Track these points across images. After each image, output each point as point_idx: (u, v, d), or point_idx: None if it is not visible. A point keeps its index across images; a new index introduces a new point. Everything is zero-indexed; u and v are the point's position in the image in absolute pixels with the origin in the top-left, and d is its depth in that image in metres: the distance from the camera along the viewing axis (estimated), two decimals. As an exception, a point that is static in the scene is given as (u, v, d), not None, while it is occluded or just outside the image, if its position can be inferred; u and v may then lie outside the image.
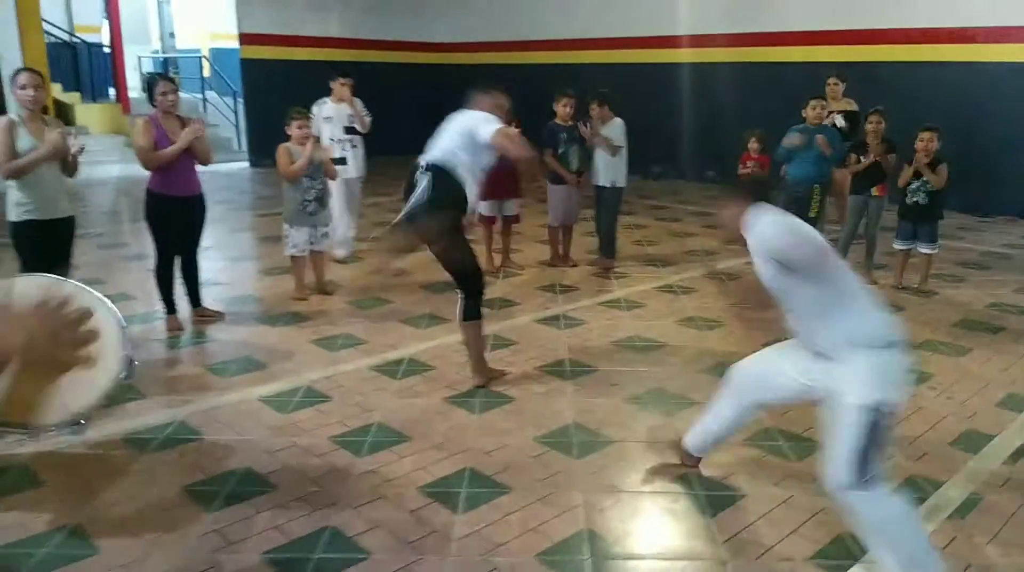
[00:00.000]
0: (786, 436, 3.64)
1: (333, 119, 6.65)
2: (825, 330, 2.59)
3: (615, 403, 3.99)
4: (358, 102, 6.68)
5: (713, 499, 3.11)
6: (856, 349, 2.51)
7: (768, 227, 2.67)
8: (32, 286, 1.34)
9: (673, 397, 4.07)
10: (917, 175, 5.83)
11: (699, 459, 3.32)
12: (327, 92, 6.72)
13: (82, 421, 1.47)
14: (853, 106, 7.47)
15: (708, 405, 3.24)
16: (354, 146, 6.74)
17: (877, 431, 2.42)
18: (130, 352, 1.48)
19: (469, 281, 4.11)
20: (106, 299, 1.47)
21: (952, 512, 3.02)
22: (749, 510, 3.03)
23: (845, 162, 6.32)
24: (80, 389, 1.42)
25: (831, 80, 7.58)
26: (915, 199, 5.90)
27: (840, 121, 7.19)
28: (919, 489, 3.18)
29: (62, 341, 1.22)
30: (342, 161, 6.54)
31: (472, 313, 4.12)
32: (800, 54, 10.32)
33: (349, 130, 6.70)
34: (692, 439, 3.28)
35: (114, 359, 1.44)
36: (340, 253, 6.77)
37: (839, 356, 2.56)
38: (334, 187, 6.31)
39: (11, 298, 1.25)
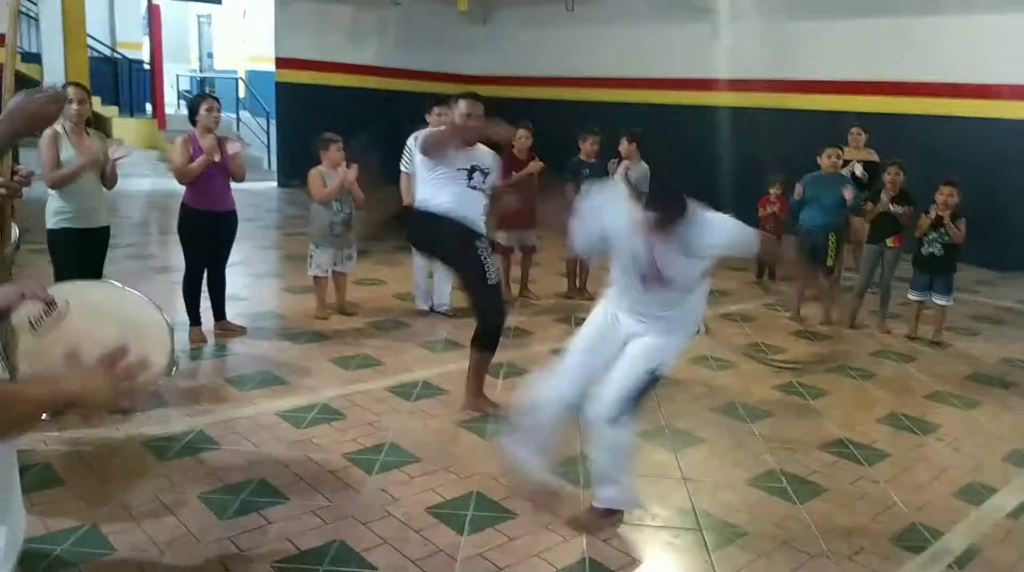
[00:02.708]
0: (790, 478, 3.69)
1: None
2: (675, 309, 3.05)
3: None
4: None
5: (714, 536, 3.15)
6: (678, 330, 3.10)
7: (729, 223, 2.98)
8: (103, 306, 1.50)
9: (680, 434, 4.13)
10: (934, 227, 5.89)
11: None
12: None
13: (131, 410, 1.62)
14: (874, 156, 7.55)
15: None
16: None
17: (645, 390, 3.03)
18: (176, 352, 1.63)
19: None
20: (153, 303, 1.62)
21: (951, 562, 3.05)
22: (749, 549, 3.08)
23: (862, 211, 6.40)
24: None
25: (854, 129, 7.70)
26: (931, 250, 5.95)
27: (859, 170, 7.28)
28: (919, 537, 3.21)
29: (120, 389, 1.36)
30: None
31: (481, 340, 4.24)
32: (825, 102, 10.43)
33: None
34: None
35: (163, 354, 1.58)
36: (423, 306, 6.22)
37: (660, 329, 3.05)
38: None
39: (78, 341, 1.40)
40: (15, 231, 3.50)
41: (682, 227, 2.88)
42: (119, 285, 1.61)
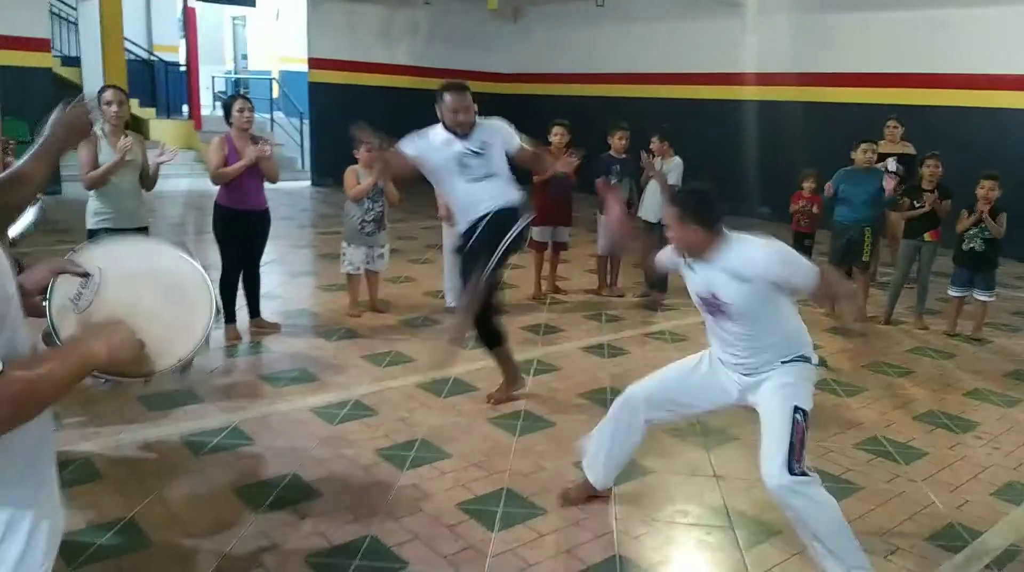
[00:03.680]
0: (825, 476, 3.62)
1: None
2: (765, 349, 2.84)
3: (655, 434, 3.99)
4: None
5: (747, 535, 3.13)
6: (785, 363, 2.83)
7: (770, 250, 2.80)
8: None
9: (713, 431, 4.09)
10: (976, 222, 5.77)
11: (608, 490, 3.35)
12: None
13: (186, 367, 1.65)
14: (910, 149, 7.43)
15: (597, 434, 3.26)
16: None
17: (802, 431, 2.73)
18: (218, 304, 1.67)
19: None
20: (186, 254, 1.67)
21: (990, 562, 3.00)
22: (782, 547, 3.04)
23: (898, 205, 6.29)
24: (181, 337, 1.61)
25: (890, 123, 7.58)
26: (971, 245, 5.83)
27: (893, 165, 7.15)
28: (957, 537, 3.16)
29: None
30: None
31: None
32: (860, 95, 10.27)
33: None
34: (593, 475, 3.28)
35: (207, 308, 1.62)
36: (450, 301, 6.14)
37: (767, 370, 2.85)
38: (445, 233, 5.99)
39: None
40: (28, 217, 3.51)
41: (717, 249, 2.81)
42: (148, 239, 1.66)
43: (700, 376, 3.07)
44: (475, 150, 4.07)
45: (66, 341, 1.47)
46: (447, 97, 4.05)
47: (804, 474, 2.69)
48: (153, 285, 1.62)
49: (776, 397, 2.80)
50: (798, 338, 2.89)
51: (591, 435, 3.30)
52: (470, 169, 4.04)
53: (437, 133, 4.14)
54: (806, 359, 2.87)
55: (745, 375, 2.92)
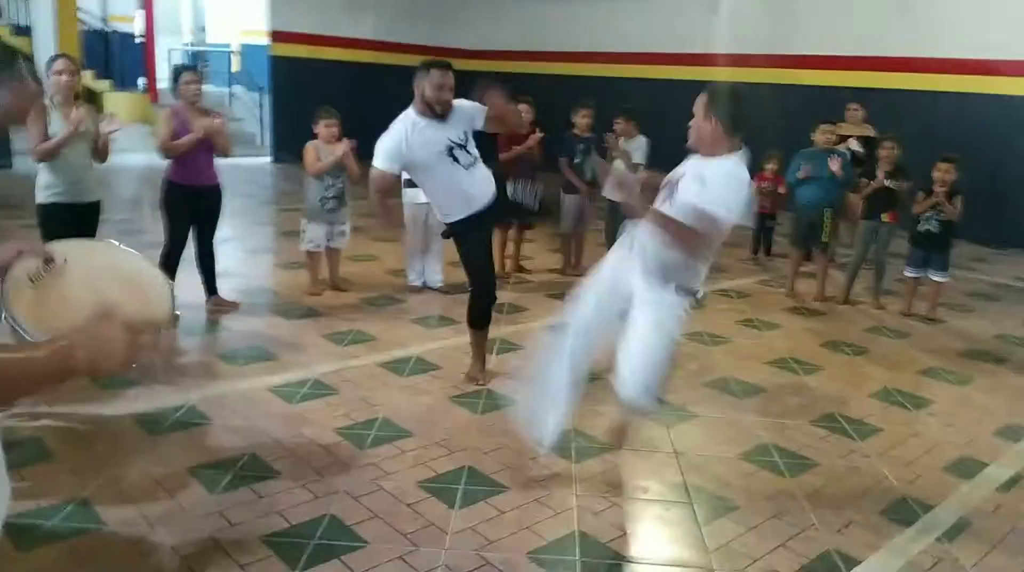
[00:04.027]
0: (782, 453, 3.69)
1: None
2: (673, 260, 2.94)
3: (615, 411, 4.05)
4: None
5: (705, 510, 3.16)
6: (678, 289, 2.98)
7: (741, 179, 2.93)
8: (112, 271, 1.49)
9: (674, 409, 4.12)
10: (933, 204, 5.86)
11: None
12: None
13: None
14: (871, 131, 7.52)
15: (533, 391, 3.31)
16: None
17: (667, 361, 2.94)
18: (176, 309, 1.64)
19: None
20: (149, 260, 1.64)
21: (940, 535, 3.07)
22: (740, 522, 3.09)
23: (857, 187, 6.37)
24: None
25: (851, 105, 7.67)
26: (927, 227, 5.93)
27: (856, 146, 7.25)
28: (910, 511, 3.22)
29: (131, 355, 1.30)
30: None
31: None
32: (824, 78, 10.35)
33: None
34: (539, 433, 3.32)
35: (164, 308, 1.58)
36: (412, 279, 6.17)
37: (659, 284, 2.98)
38: (408, 215, 5.88)
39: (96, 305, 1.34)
40: None
41: (716, 155, 2.92)
42: (115, 243, 1.62)
43: (607, 280, 3.17)
44: (460, 142, 4.03)
45: (57, 342, 1.39)
46: (434, 72, 3.96)
47: (659, 401, 2.95)
48: (111, 278, 1.59)
49: (652, 321, 2.94)
50: (698, 272, 3.06)
51: (520, 401, 3.44)
52: (459, 161, 4.00)
53: (413, 121, 3.98)
54: (694, 294, 3.05)
55: (640, 274, 3.02)
